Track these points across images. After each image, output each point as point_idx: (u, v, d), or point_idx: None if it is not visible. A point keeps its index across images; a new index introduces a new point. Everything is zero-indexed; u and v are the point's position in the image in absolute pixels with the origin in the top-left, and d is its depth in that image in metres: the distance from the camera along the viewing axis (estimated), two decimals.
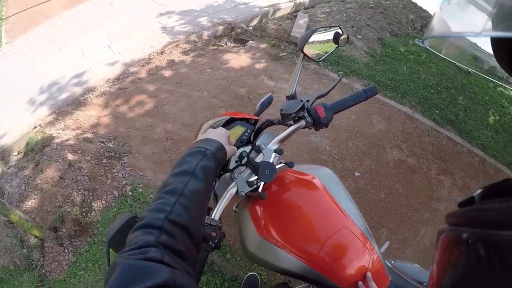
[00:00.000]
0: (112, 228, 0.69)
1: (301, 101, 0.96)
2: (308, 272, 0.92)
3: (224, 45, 3.95)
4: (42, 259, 2.05)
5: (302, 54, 1.04)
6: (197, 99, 3.08)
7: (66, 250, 2.07)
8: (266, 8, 4.56)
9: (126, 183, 2.41)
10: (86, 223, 2.15)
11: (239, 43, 3.97)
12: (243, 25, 4.19)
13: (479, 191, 0.32)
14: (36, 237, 2.06)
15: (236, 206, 1.35)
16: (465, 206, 0.32)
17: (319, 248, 0.87)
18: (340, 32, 1.03)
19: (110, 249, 0.69)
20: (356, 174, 2.64)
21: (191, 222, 0.57)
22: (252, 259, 1.00)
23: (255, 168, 0.87)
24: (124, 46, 3.93)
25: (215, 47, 3.89)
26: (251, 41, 3.95)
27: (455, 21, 0.29)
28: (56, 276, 2.02)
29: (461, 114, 3.59)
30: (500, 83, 0.43)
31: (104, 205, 2.28)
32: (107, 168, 2.48)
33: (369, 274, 0.86)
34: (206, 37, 4.00)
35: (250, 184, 0.89)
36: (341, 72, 1.06)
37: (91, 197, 2.28)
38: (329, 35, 1.04)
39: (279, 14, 4.59)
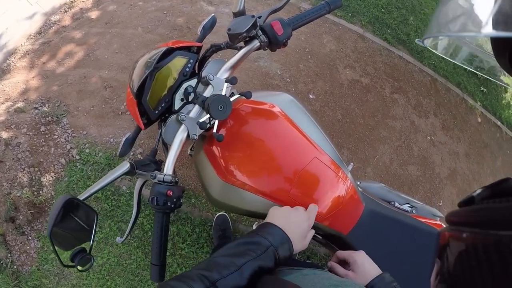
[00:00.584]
0: (50, 219, 0.57)
1: (253, 16, 0.80)
2: None
3: None
4: (9, 255, 1.93)
5: None
6: (131, 37, 2.78)
7: (29, 238, 1.96)
8: None
9: (71, 147, 2.21)
10: (41, 202, 2.00)
11: None
12: None
13: (479, 191, 0.32)
14: None
15: (191, 149, 1.22)
16: (465, 206, 0.32)
17: (289, 185, 0.80)
18: None
19: (54, 246, 0.58)
20: (311, 96, 2.60)
21: None
22: (217, 206, 0.91)
23: (205, 105, 0.73)
24: None
25: None
26: None
27: (455, 21, 0.29)
28: (29, 268, 1.93)
29: (412, 34, 3.57)
30: (500, 83, 0.42)
31: (54, 177, 2.11)
32: (47, 136, 2.25)
33: None
34: None
35: (201, 125, 0.75)
36: None
37: (38, 173, 2.10)
38: None
39: None
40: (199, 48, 0.87)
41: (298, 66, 2.75)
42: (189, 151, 1.20)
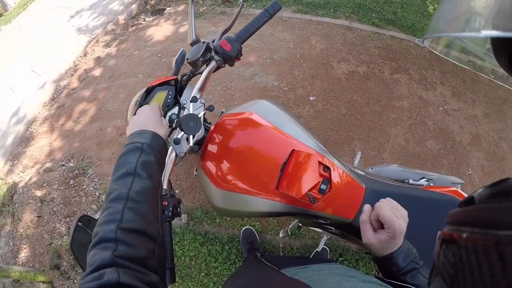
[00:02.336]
0: (70, 234, 0.68)
1: (204, 42, 0.92)
2: (278, 207, 0.91)
3: (143, 22, 3.77)
4: None
5: (190, 0, 1.01)
6: (134, 84, 2.97)
7: (75, 281, 2.11)
8: None
9: (100, 193, 2.38)
10: None
11: (157, 14, 3.79)
12: None
13: (478, 191, 0.31)
14: (44, 282, 2.07)
15: (196, 170, 1.34)
16: (465, 206, 0.32)
17: (275, 180, 0.87)
18: None
19: (76, 257, 0.68)
20: (311, 98, 2.65)
21: (145, 223, 0.54)
22: (222, 214, 1.01)
23: (178, 124, 0.84)
24: (47, 64, 3.68)
25: (134, 28, 3.71)
26: (168, 8, 3.78)
27: (455, 21, 0.29)
28: None
29: (399, 12, 3.57)
30: (501, 83, 0.42)
31: None
32: (77, 188, 2.44)
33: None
34: (123, 21, 3.79)
35: (175, 141, 0.85)
36: (241, 0, 1.00)
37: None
38: None
39: None
40: (176, 80, 1.00)
41: (293, 73, 2.82)
42: (195, 172, 1.32)
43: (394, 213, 0.65)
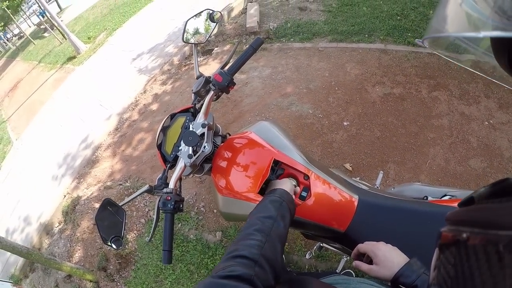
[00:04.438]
0: (96, 211, 0.96)
1: (203, 77, 1.14)
2: None
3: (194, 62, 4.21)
4: None
5: (192, 44, 1.24)
6: None
7: (118, 284, 2.37)
8: (222, 13, 4.76)
9: (148, 210, 2.69)
10: (127, 254, 2.45)
11: (206, 55, 4.21)
12: None
13: (478, 191, 0.32)
14: (90, 281, 2.38)
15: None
16: (465, 206, 0.32)
17: (258, 186, 1.01)
18: (211, 11, 1.20)
19: (98, 226, 0.95)
20: (345, 123, 2.71)
21: (276, 260, 0.64)
22: (227, 218, 1.16)
23: (182, 138, 1.05)
24: (113, 99, 4.32)
25: (187, 67, 4.19)
26: (216, 48, 4.18)
27: (455, 21, 0.28)
28: None
29: None
30: (501, 83, 0.42)
31: (137, 234, 2.57)
32: (130, 204, 2.77)
33: None
34: (177, 62, 4.30)
35: (189, 156, 1.05)
36: (237, 40, 1.16)
37: (124, 232, 2.58)
38: (203, 18, 1.22)
39: (234, 13, 4.79)
40: (194, 107, 1.19)
41: (328, 100, 2.93)
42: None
43: (372, 244, 0.76)
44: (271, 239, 0.66)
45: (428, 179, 2.32)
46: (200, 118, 1.10)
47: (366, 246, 0.77)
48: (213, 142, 1.13)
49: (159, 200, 0.97)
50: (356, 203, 1.01)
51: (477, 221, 0.28)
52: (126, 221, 1.03)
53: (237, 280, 0.53)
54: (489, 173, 2.33)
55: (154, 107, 3.78)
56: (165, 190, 0.98)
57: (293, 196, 0.90)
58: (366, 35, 3.51)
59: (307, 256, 1.97)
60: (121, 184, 3.01)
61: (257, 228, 0.68)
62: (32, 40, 11.17)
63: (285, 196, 0.83)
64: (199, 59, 4.18)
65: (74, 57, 6.71)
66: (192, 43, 1.24)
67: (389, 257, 0.71)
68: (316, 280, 0.73)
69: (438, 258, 0.33)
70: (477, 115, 2.65)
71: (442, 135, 2.56)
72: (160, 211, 0.98)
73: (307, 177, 1.01)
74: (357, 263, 0.77)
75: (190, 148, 1.03)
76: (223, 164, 1.09)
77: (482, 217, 0.28)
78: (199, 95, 1.15)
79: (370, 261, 0.75)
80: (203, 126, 1.07)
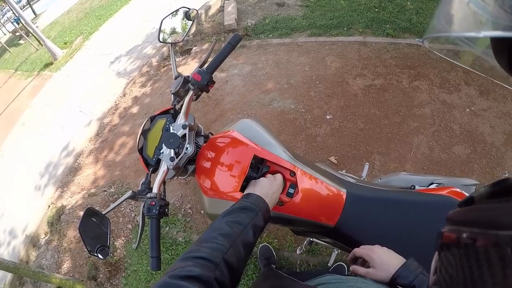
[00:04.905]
0: (79, 221, 0.90)
1: (181, 76, 1.11)
2: None
3: None
4: None
5: (169, 44, 1.21)
6: None
7: None
8: (199, 12, 4.71)
9: (135, 215, 2.64)
10: (116, 261, 2.40)
11: (185, 54, 4.16)
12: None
13: (479, 191, 0.32)
14: None
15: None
16: (465, 206, 0.33)
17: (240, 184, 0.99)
18: (187, 9, 1.17)
19: (82, 235, 0.89)
20: (328, 117, 2.72)
21: (238, 268, 0.63)
22: (211, 218, 1.12)
23: (163, 141, 1.03)
24: (92, 105, 4.21)
25: (166, 68, 4.13)
26: (194, 48, 4.14)
27: (455, 21, 0.29)
28: None
29: (415, 18, 3.55)
30: (501, 83, 0.42)
31: (125, 241, 2.51)
32: (115, 210, 2.71)
33: None
34: (156, 63, 4.23)
35: (171, 158, 1.03)
36: (214, 38, 1.14)
37: (112, 239, 2.52)
38: (179, 16, 1.19)
39: (211, 11, 4.74)
40: (174, 108, 1.17)
41: (309, 94, 2.93)
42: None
43: (367, 247, 0.76)
44: (236, 245, 0.65)
45: (414, 168, 2.37)
46: (181, 119, 1.07)
47: (361, 250, 0.78)
48: (195, 143, 1.10)
49: (143, 206, 0.94)
50: (344, 197, 1.01)
51: (477, 221, 0.28)
52: (111, 229, 0.99)
53: (194, 282, 0.51)
54: (473, 159, 2.39)
55: (135, 110, 3.70)
56: (149, 195, 0.95)
57: (278, 194, 0.88)
58: (345, 28, 3.54)
59: (297, 252, 1.97)
60: (105, 191, 2.93)
61: (224, 233, 0.66)
62: (7, 48, 10.69)
63: (261, 204, 0.80)
64: (177, 59, 4.11)
65: (51, 63, 6.50)
66: (169, 43, 1.21)
67: (385, 260, 0.72)
68: (299, 284, 0.74)
69: (438, 258, 0.33)
70: (459, 103, 2.72)
71: (425, 123, 2.61)
72: (145, 217, 0.95)
73: (293, 173, 0.99)
74: (354, 267, 0.77)
75: (172, 150, 1.00)
76: (207, 164, 1.06)
77: (482, 217, 0.28)
78: (179, 96, 1.11)
79: (367, 266, 0.76)
80: (184, 127, 1.04)
